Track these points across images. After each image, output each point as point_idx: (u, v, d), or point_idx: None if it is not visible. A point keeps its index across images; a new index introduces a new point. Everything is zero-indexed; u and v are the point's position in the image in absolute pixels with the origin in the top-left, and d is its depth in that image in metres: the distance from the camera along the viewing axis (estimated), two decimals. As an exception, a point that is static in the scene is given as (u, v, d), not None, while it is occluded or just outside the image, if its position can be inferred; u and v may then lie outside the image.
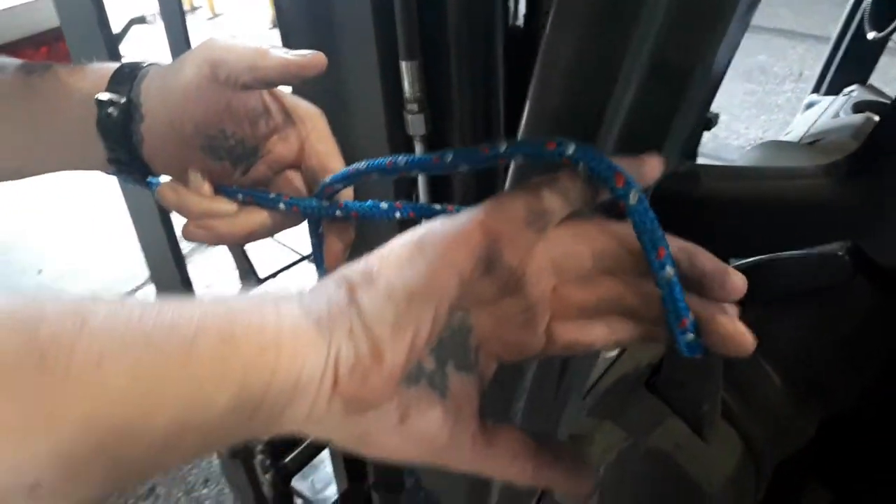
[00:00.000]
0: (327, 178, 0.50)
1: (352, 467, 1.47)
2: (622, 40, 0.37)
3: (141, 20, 2.71)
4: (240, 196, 0.51)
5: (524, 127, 0.44)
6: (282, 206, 0.50)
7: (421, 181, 0.83)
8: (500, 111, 0.84)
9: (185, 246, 1.07)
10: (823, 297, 0.76)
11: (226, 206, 0.51)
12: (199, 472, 2.31)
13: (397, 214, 0.48)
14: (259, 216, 0.51)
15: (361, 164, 0.46)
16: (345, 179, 0.48)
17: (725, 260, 0.39)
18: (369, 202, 0.49)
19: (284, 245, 1.51)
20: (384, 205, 0.48)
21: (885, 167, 0.37)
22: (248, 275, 1.32)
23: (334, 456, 1.52)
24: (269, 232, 0.52)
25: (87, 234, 3.36)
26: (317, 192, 0.51)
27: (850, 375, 0.79)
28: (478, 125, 0.83)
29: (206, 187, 0.50)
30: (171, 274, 1.09)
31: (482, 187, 0.82)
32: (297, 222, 0.54)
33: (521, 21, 0.86)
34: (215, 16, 5.92)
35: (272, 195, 0.51)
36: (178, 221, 1.09)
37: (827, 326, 0.77)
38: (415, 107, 0.81)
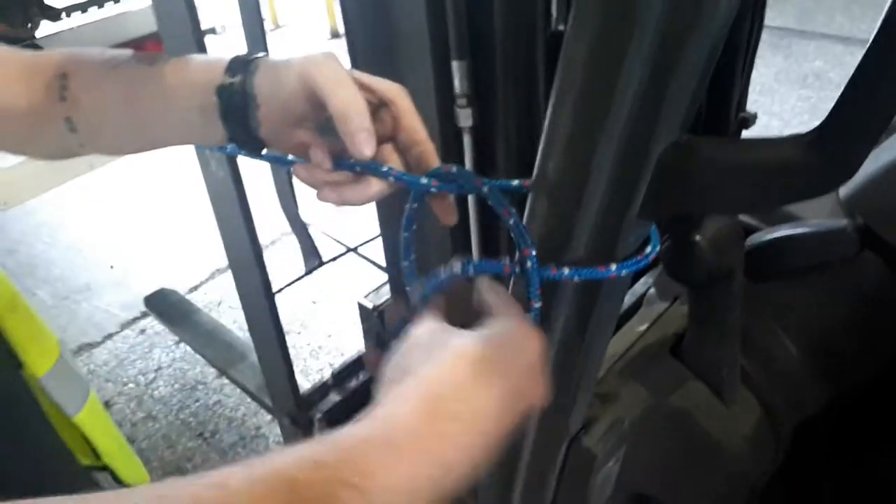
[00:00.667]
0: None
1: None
2: (628, 36, 0.46)
3: (211, 31, 2.89)
4: (356, 168, 0.58)
5: (550, 109, 0.54)
6: (391, 179, 0.58)
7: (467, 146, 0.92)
8: (541, 106, 0.93)
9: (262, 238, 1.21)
10: (835, 271, 0.83)
11: (345, 177, 0.59)
12: (256, 455, 2.44)
13: (485, 189, 0.57)
14: (377, 184, 0.59)
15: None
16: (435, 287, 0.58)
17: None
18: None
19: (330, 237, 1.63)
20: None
21: (843, 136, 0.46)
22: (312, 257, 1.44)
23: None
24: (383, 194, 0.60)
25: (155, 231, 3.55)
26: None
27: (864, 346, 0.86)
28: (521, 118, 0.93)
29: (327, 163, 0.58)
30: (249, 263, 1.21)
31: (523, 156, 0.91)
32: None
33: (562, 26, 0.95)
34: (278, 27, 6.14)
35: (384, 168, 0.58)
36: (255, 214, 1.20)
37: (839, 299, 0.84)
38: (463, 101, 0.90)
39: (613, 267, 0.56)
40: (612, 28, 0.47)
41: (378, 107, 0.59)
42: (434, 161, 0.60)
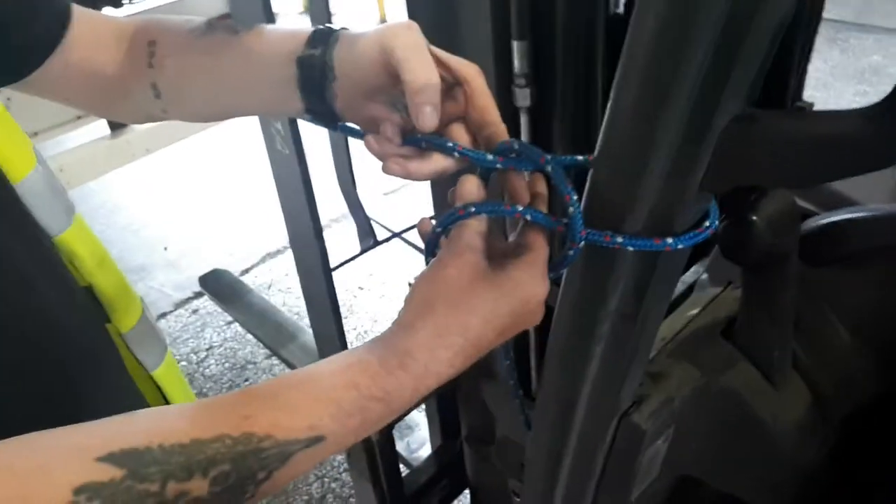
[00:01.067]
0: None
1: (446, 425, 1.60)
2: (696, 7, 0.47)
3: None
4: (423, 143, 0.59)
5: (616, 82, 0.55)
6: (456, 154, 0.59)
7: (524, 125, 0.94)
8: (599, 88, 0.94)
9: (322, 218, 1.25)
10: (892, 258, 0.83)
11: (412, 151, 0.60)
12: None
13: (548, 168, 0.58)
14: (441, 160, 0.59)
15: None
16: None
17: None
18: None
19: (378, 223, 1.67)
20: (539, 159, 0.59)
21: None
22: (367, 236, 1.48)
23: (430, 416, 1.65)
24: (448, 171, 0.61)
25: (208, 214, 3.65)
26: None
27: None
28: (578, 100, 0.94)
29: (397, 138, 0.60)
30: (309, 238, 1.25)
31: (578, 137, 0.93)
32: (470, 169, 0.62)
33: (621, 9, 0.96)
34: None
35: (449, 143, 0.59)
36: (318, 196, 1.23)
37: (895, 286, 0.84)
38: (522, 81, 0.92)
39: (670, 240, 0.57)
40: (679, 3, 0.48)
41: (452, 85, 0.60)
42: (500, 131, 0.61)
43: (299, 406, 0.47)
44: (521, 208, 0.57)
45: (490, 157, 0.59)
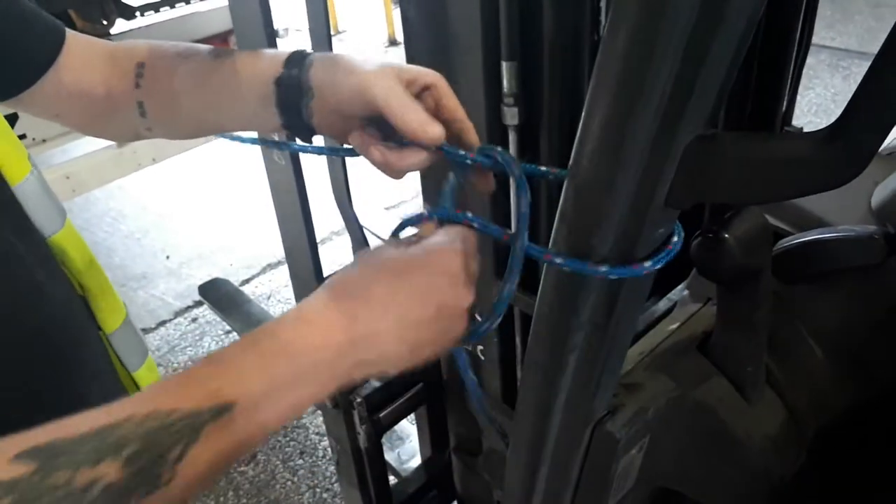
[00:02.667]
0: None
1: (435, 436, 1.62)
2: (659, 31, 0.51)
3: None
4: (405, 141, 0.65)
5: (587, 101, 0.59)
6: (433, 148, 0.65)
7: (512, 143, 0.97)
8: (583, 108, 0.97)
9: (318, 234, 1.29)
10: (863, 277, 0.85)
11: (392, 146, 0.66)
12: (295, 444, 2.52)
13: (516, 173, 0.63)
14: (418, 155, 0.64)
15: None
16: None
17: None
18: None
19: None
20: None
21: (855, 132, 0.49)
22: (361, 247, 1.51)
23: (420, 427, 1.67)
24: (423, 165, 0.66)
25: (210, 225, 3.69)
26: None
27: (890, 352, 0.88)
28: (564, 119, 0.97)
29: (371, 153, 0.65)
30: (304, 249, 1.28)
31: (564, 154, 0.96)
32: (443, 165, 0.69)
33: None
34: (338, 32, 6.30)
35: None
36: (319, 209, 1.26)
37: (867, 304, 0.87)
38: (511, 100, 0.95)
39: (603, 268, 0.62)
40: (645, 23, 0.51)
41: (421, 91, 0.66)
42: (472, 136, 0.67)
43: (200, 375, 0.47)
44: (469, 215, 0.63)
45: (463, 152, 0.65)
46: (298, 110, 0.66)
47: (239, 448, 0.47)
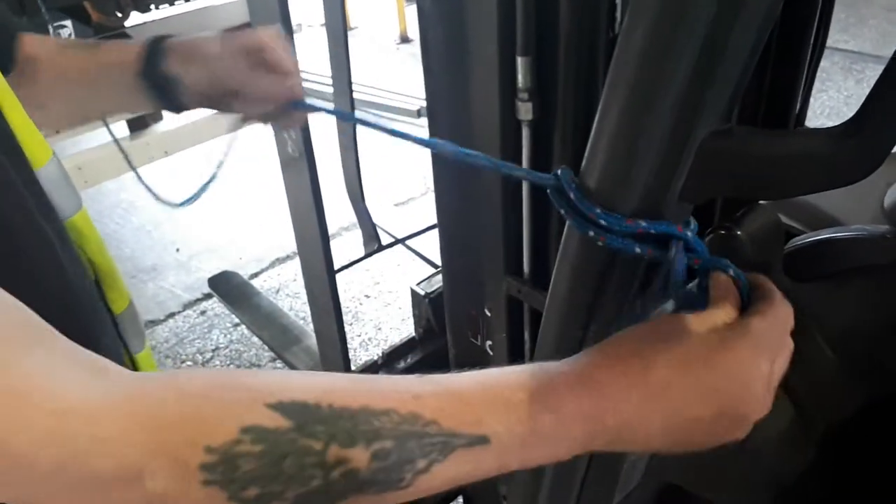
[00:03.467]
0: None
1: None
2: (678, 25, 0.51)
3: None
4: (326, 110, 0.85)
5: (604, 96, 0.59)
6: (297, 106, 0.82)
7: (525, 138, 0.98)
8: (598, 105, 0.98)
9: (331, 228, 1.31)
10: (874, 277, 0.85)
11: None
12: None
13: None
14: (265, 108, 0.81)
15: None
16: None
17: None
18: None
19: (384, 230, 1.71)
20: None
21: (870, 130, 0.50)
22: (372, 240, 1.52)
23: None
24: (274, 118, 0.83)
25: (220, 218, 3.70)
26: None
27: (900, 354, 0.88)
28: (578, 115, 0.98)
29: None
30: (315, 240, 1.29)
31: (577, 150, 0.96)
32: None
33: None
34: (350, 29, 6.32)
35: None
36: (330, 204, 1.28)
37: (878, 304, 0.87)
38: (525, 96, 0.96)
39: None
40: (664, 18, 0.52)
41: (257, 51, 0.78)
42: (295, 84, 0.81)
43: (466, 396, 0.45)
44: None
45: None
46: (166, 94, 0.77)
47: (476, 478, 0.45)
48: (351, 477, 0.40)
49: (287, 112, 0.82)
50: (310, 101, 0.82)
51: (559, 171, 0.59)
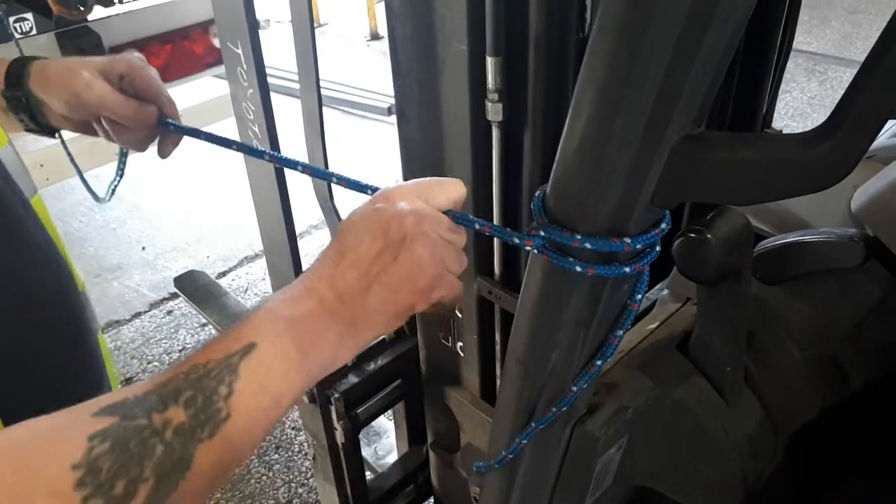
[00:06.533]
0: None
1: (413, 432, 1.62)
2: (648, 29, 0.51)
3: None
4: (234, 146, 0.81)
5: (574, 98, 0.58)
6: (171, 127, 0.82)
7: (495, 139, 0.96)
8: (568, 106, 0.97)
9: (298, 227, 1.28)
10: (842, 279, 0.86)
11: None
12: (271, 438, 2.50)
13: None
14: (144, 132, 0.82)
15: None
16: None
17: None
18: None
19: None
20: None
21: (842, 134, 0.50)
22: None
23: (398, 423, 1.67)
24: (155, 138, 0.84)
25: (187, 217, 3.64)
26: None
27: (866, 354, 0.89)
28: (548, 116, 0.97)
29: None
30: (282, 243, 1.27)
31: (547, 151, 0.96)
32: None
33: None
34: (319, 25, 6.26)
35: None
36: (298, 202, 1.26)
37: (845, 306, 0.88)
38: (495, 96, 0.95)
39: (628, 239, 0.60)
40: (634, 21, 0.51)
41: (120, 79, 0.79)
42: (170, 108, 0.83)
43: (220, 336, 0.54)
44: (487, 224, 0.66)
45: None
46: (32, 116, 0.78)
47: (277, 380, 0.53)
48: (180, 431, 0.47)
49: (157, 135, 0.84)
50: (176, 123, 0.83)
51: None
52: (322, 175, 0.75)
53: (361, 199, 0.65)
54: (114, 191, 0.97)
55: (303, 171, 0.74)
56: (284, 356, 0.54)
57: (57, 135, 0.87)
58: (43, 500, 0.41)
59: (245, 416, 0.51)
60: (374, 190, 0.68)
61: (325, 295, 0.57)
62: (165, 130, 0.82)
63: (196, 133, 0.81)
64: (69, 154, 1.06)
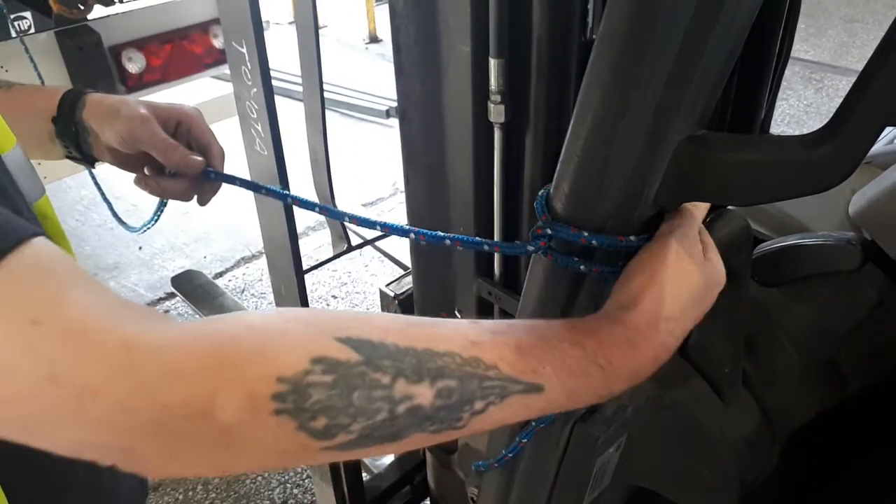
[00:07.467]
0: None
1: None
2: (654, 32, 0.51)
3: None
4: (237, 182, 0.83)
5: (579, 100, 0.59)
6: (212, 175, 0.81)
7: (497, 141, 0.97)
8: (570, 109, 0.98)
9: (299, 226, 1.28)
10: (839, 283, 0.87)
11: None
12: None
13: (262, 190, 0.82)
14: (182, 184, 0.80)
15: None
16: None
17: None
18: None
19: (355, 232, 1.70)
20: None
21: (843, 138, 0.50)
22: (341, 241, 1.50)
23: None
24: (197, 190, 0.82)
25: (184, 217, 3.64)
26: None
27: (864, 356, 0.90)
28: (550, 118, 0.98)
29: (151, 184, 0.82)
30: (283, 241, 1.27)
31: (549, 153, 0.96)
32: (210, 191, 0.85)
33: (595, 35, 0.99)
34: (319, 27, 6.26)
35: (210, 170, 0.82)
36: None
37: (842, 309, 0.88)
38: (497, 98, 0.96)
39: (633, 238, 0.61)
40: (639, 25, 0.52)
41: (177, 126, 0.81)
42: (217, 161, 0.83)
43: (525, 347, 0.49)
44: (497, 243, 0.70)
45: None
46: (78, 145, 0.78)
47: (517, 420, 0.51)
48: (415, 412, 0.43)
49: (199, 185, 0.83)
50: (221, 173, 0.83)
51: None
52: (365, 222, 0.73)
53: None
54: (147, 229, 1.01)
55: (349, 221, 0.74)
56: (556, 408, 0.51)
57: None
58: (231, 391, 0.38)
59: (471, 432, 0.48)
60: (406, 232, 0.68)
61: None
62: (207, 179, 0.82)
63: (233, 180, 0.82)
64: (97, 184, 1.07)
